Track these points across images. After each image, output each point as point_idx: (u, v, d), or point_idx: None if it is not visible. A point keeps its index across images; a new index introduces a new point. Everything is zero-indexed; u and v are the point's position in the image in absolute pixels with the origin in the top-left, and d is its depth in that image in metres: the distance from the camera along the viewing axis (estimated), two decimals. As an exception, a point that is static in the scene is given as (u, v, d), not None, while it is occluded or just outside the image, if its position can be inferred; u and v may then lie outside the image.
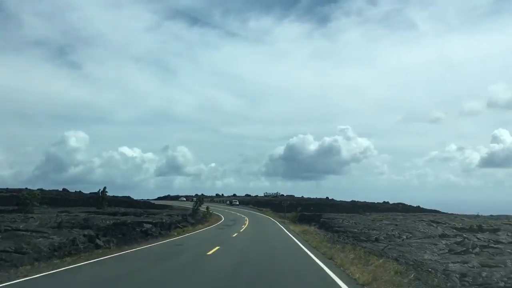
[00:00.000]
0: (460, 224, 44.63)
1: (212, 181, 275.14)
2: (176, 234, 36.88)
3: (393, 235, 33.62)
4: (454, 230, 38.96)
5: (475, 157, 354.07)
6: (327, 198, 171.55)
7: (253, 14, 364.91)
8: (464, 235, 32.09)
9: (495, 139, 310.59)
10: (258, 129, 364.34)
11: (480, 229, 40.13)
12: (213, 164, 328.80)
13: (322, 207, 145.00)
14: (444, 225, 43.05)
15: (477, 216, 69.36)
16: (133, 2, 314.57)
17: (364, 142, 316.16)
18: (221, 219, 64.10)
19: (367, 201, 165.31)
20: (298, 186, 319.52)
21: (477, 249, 24.78)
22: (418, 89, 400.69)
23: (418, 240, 29.39)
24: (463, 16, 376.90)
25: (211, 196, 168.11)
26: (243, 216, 71.22)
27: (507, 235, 33.26)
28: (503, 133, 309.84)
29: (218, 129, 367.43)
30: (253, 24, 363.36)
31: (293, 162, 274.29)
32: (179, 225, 44.35)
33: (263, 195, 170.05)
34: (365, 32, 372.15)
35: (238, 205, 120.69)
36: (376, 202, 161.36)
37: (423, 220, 46.60)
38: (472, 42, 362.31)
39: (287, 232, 37.92)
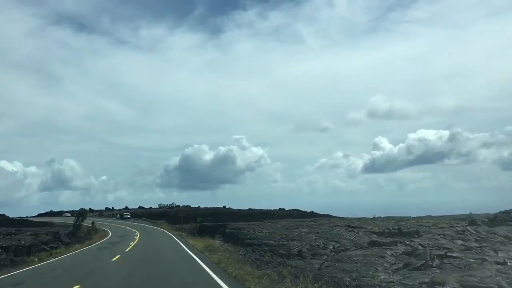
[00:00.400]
0: (377, 228, 39.82)
1: (104, 195, 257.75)
2: (37, 260, 27.47)
3: (318, 245, 27.20)
4: (376, 236, 33.92)
5: (359, 163, 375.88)
6: (224, 207, 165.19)
7: (145, 23, 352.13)
8: (406, 241, 26.49)
9: (376, 147, 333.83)
10: (152, 139, 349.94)
11: (401, 233, 35.54)
12: (104, 177, 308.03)
13: (220, 216, 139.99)
14: (361, 229, 37.91)
15: (374, 218, 65.47)
16: (12, 5, 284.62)
17: (258, 151, 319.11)
18: (107, 235, 54.07)
19: (263, 208, 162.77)
20: (193, 196, 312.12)
21: (436, 261, 18.95)
22: (307, 100, 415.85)
23: (357, 252, 23.05)
24: (345, 33, 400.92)
25: (100, 210, 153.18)
26: (134, 230, 61.40)
27: (446, 239, 28.41)
28: (382, 140, 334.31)
29: (110, 140, 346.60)
30: (144, 32, 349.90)
31: (189, 173, 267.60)
32: (46, 247, 34.22)
33: (157, 206, 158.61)
34: (256, 45, 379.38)
35: (129, 218, 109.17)
36: (272, 209, 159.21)
37: (339, 226, 41.11)
38: (354, 57, 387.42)
39: (187, 250, 29.54)
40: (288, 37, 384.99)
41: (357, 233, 34.96)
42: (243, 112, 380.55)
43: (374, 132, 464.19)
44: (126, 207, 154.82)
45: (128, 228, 68.96)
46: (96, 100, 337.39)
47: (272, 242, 29.79)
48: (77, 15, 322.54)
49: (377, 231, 37.14)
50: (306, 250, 25.46)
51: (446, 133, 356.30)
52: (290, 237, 31.25)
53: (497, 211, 56.22)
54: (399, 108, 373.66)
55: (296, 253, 25.17)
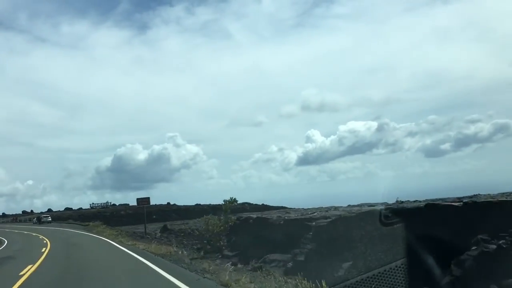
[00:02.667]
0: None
1: (31, 200, 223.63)
2: None
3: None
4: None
5: (292, 156, 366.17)
6: (168, 203, 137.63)
7: (66, 19, 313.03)
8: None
9: (309, 139, 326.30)
10: (81, 141, 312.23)
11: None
12: (30, 182, 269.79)
13: (167, 214, 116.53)
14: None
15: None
16: None
17: (193, 148, 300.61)
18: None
19: (211, 203, 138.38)
20: (128, 196, 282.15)
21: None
22: (239, 95, 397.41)
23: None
24: (272, 28, 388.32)
25: (15, 214, 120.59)
26: (45, 240, 34.71)
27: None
28: (314, 133, 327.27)
29: (34, 143, 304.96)
30: (66, 29, 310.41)
31: (122, 173, 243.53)
32: None
33: (89, 207, 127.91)
34: (184, 41, 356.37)
35: (50, 222, 79.78)
36: (219, 204, 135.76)
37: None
38: (282, 52, 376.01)
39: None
40: (216, 33, 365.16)
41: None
42: (175, 110, 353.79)
43: (306, 125, 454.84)
44: (49, 209, 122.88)
45: (40, 236, 41.62)
46: (17, 101, 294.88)
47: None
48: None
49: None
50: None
51: (374, 124, 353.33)
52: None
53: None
54: (330, 101, 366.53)
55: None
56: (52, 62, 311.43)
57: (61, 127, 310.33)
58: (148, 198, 26.94)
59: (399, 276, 6.09)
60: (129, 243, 23.37)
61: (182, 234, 35.26)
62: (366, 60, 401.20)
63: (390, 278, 5.97)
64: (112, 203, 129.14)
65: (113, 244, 22.83)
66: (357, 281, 6.00)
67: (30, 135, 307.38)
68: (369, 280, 5.86)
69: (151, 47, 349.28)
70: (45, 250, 24.08)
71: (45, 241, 32.72)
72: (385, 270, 6.15)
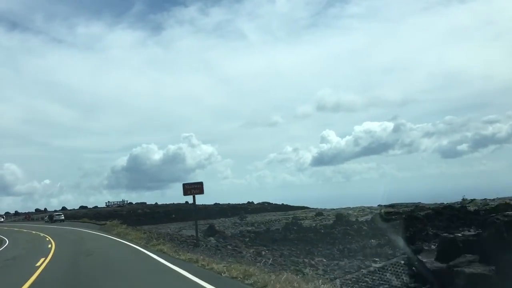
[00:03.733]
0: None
1: (47, 199, 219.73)
2: None
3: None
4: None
5: (307, 157, 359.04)
6: (186, 202, 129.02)
7: (81, 20, 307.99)
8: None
9: (324, 140, 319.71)
10: (97, 141, 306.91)
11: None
12: (47, 181, 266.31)
13: (186, 213, 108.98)
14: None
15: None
16: None
17: (208, 148, 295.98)
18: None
19: (230, 203, 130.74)
20: (143, 196, 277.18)
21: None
22: (254, 95, 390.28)
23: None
24: (286, 28, 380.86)
25: (28, 212, 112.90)
26: (51, 241, 26.05)
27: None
28: (329, 133, 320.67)
29: (50, 143, 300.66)
30: (82, 30, 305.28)
31: (137, 173, 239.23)
32: None
33: (104, 205, 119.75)
34: (198, 41, 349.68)
35: (63, 220, 71.43)
36: (241, 203, 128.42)
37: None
38: (296, 52, 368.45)
39: None
40: (230, 33, 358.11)
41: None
42: (190, 110, 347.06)
43: (321, 126, 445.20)
44: (64, 207, 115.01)
45: (48, 238, 32.99)
46: (33, 102, 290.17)
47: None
48: (7, 13, 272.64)
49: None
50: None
51: (390, 125, 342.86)
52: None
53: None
54: (345, 101, 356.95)
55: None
56: (68, 63, 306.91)
57: (77, 127, 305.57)
58: (201, 183, 16.76)
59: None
60: (182, 256, 13.58)
61: (238, 238, 26.54)
62: (382, 60, 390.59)
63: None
64: (128, 202, 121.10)
65: (153, 258, 13.32)
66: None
67: (46, 135, 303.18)
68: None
69: (166, 47, 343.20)
70: (42, 263, 15.38)
71: (51, 243, 24.02)
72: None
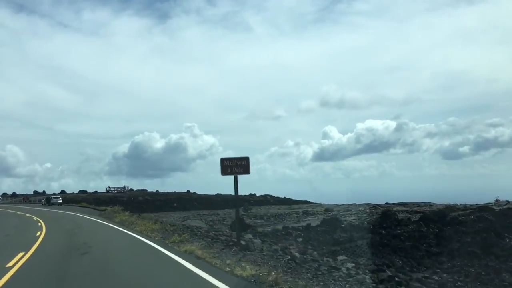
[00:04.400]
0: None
1: (48, 183, 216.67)
2: None
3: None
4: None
5: (308, 152, 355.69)
6: (188, 191, 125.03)
7: (88, 5, 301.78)
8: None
9: (325, 135, 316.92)
10: (99, 126, 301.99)
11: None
12: (48, 164, 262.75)
13: (188, 202, 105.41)
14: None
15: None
16: None
17: (210, 139, 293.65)
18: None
19: (231, 193, 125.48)
20: (143, 184, 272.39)
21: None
22: (258, 88, 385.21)
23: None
24: (292, 22, 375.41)
25: (26, 194, 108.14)
26: (42, 228, 21.42)
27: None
28: (332, 129, 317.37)
29: (53, 127, 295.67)
30: (88, 15, 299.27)
31: (139, 160, 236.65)
32: None
33: (104, 191, 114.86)
34: (205, 31, 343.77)
35: (61, 204, 66.63)
36: (241, 195, 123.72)
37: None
38: (302, 47, 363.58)
39: None
40: (236, 25, 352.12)
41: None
42: (193, 100, 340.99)
43: (324, 121, 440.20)
44: (63, 191, 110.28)
45: (41, 221, 28.29)
46: (37, 85, 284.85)
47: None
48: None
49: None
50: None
51: (393, 123, 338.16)
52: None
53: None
54: (349, 98, 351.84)
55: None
56: (73, 48, 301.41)
57: (80, 112, 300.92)
58: (247, 159, 11.84)
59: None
60: (240, 271, 8.30)
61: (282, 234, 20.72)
62: (387, 58, 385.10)
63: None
64: (129, 188, 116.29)
65: (190, 270, 7.94)
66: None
67: (49, 119, 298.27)
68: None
69: (171, 36, 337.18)
70: (16, 262, 10.63)
71: (38, 233, 19.17)
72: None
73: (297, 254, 10.27)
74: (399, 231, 19.88)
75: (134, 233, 16.85)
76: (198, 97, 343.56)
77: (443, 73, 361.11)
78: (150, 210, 76.64)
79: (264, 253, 9.21)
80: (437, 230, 19.63)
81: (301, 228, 25.25)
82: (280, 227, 29.38)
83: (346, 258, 12.27)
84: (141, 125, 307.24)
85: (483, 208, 38.91)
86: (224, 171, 12.27)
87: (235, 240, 11.74)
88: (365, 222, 25.89)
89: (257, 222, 52.38)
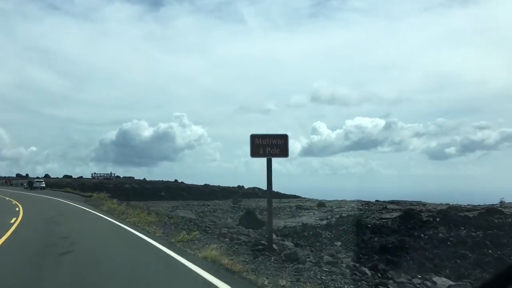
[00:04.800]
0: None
1: (33, 166, 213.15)
2: None
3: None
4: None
5: (297, 146, 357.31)
6: (176, 181, 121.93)
7: None
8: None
9: (314, 131, 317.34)
10: (87, 112, 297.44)
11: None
12: (33, 148, 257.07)
13: (176, 192, 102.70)
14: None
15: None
16: None
17: (198, 130, 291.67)
18: None
19: (220, 185, 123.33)
20: (130, 172, 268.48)
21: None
22: (249, 81, 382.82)
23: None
24: (286, 16, 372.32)
25: (8, 177, 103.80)
26: (19, 214, 18.44)
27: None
28: (321, 125, 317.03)
29: (40, 111, 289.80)
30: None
31: (126, 148, 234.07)
32: None
33: (90, 177, 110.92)
34: (197, 21, 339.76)
35: (44, 188, 63.01)
36: (229, 186, 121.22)
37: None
38: (295, 41, 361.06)
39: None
40: (230, 16, 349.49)
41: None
42: (184, 90, 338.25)
43: (314, 117, 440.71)
44: (47, 175, 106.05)
45: (19, 204, 25.21)
46: (25, 67, 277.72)
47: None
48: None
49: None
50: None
51: (382, 122, 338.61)
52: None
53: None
54: (340, 95, 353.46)
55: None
56: (63, 31, 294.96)
57: (68, 96, 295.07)
58: (285, 137, 9.44)
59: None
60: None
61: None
62: (380, 56, 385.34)
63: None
64: (116, 175, 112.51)
65: None
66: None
67: (37, 102, 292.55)
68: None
69: (163, 24, 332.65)
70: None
71: (12, 221, 16.08)
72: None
73: (366, 270, 7.49)
74: (442, 236, 17.26)
75: (128, 226, 13.84)
76: (188, 87, 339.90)
77: (434, 74, 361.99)
78: (137, 198, 73.60)
79: (323, 267, 6.47)
80: (482, 235, 17.17)
81: (320, 226, 22.32)
82: (291, 223, 26.29)
83: (443, 278, 9.24)
84: (130, 112, 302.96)
85: (492, 210, 36.60)
86: (255, 152, 9.31)
87: (263, 242, 8.96)
88: (388, 222, 23.12)
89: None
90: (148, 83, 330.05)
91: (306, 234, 17.30)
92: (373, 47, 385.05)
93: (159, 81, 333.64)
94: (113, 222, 15.97)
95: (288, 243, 10.87)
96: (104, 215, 19.29)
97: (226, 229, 13.20)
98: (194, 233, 10.53)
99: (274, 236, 11.16)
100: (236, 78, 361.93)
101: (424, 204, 58.32)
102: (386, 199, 69.76)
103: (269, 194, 9.64)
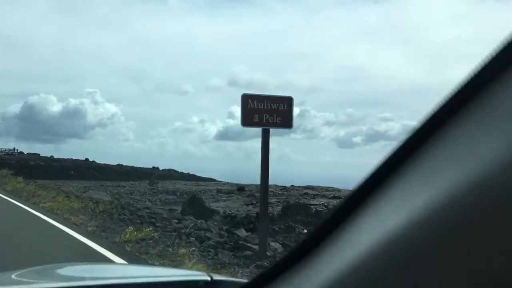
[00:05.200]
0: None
1: None
2: None
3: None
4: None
5: (212, 130, 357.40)
6: (87, 159, 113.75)
7: None
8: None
9: (231, 115, 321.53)
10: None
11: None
12: None
13: (88, 171, 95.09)
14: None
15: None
16: None
17: (112, 108, 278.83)
18: None
19: (134, 165, 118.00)
20: (34, 148, 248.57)
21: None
22: (167, 61, 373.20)
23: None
24: None
25: None
26: None
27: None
28: (237, 110, 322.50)
29: None
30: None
31: (31, 123, 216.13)
32: None
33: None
34: None
35: None
36: (144, 167, 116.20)
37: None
38: (214, 24, 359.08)
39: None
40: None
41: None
42: (98, 65, 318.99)
43: (231, 101, 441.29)
44: None
45: None
46: None
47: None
48: None
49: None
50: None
51: (296, 109, 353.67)
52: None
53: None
54: (257, 80, 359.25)
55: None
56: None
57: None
58: (290, 100, 8.02)
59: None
60: None
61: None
62: (296, 46, 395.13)
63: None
64: (19, 151, 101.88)
65: None
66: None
67: None
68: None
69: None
70: None
71: None
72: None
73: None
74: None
75: (44, 215, 10.68)
76: (103, 63, 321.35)
77: (346, 66, 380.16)
78: (44, 177, 66.85)
79: None
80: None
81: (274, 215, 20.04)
82: (220, 208, 23.61)
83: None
84: (37, 85, 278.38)
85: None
86: (248, 119, 6.81)
87: (243, 243, 6.76)
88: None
89: (169, 199, 46.97)
90: (59, 55, 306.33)
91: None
92: (291, 36, 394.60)
93: (71, 55, 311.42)
94: (23, 208, 12.64)
95: (273, 243, 8.71)
96: (9, 197, 15.69)
97: (176, 220, 10.83)
98: (147, 230, 7.95)
99: (243, 231, 9.05)
100: (153, 57, 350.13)
101: (339, 190, 59.78)
102: (301, 185, 70.82)
103: (264, 179, 7.24)
